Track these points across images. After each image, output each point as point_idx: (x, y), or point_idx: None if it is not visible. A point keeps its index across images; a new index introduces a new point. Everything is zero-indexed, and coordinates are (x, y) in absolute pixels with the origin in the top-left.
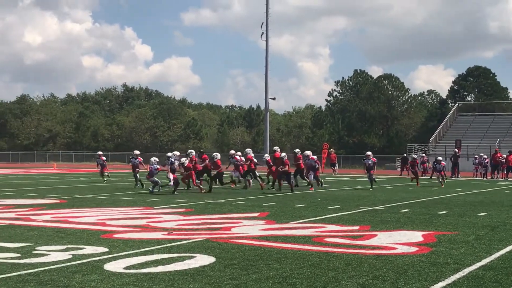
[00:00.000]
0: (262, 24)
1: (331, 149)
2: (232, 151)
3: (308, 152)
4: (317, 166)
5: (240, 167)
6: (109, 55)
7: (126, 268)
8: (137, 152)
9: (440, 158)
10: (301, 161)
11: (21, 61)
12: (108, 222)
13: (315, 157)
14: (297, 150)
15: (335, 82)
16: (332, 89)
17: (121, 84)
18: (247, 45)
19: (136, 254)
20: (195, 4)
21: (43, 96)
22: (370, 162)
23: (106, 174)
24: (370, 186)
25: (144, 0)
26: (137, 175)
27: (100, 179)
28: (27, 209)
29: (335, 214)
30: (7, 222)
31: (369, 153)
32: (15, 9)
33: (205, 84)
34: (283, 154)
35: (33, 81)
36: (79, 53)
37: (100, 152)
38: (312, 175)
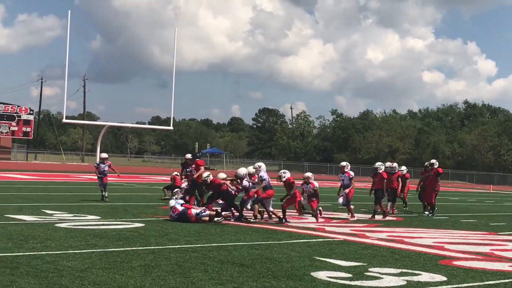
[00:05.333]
0: None
1: None
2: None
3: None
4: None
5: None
6: (450, 71)
7: None
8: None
9: None
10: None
11: (362, 78)
12: (446, 246)
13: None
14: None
15: None
16: None
17: (462, 101)
18: None
19: None
20: None
21: (385, 112)
22: None
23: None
24: None
25: (488, 14)
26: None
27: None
28: (363, 224)
29: None
30: (342, 237)
31: None
32: (359, 28)
33: None
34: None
35: (374, 97)
36: (419, 69)
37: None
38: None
